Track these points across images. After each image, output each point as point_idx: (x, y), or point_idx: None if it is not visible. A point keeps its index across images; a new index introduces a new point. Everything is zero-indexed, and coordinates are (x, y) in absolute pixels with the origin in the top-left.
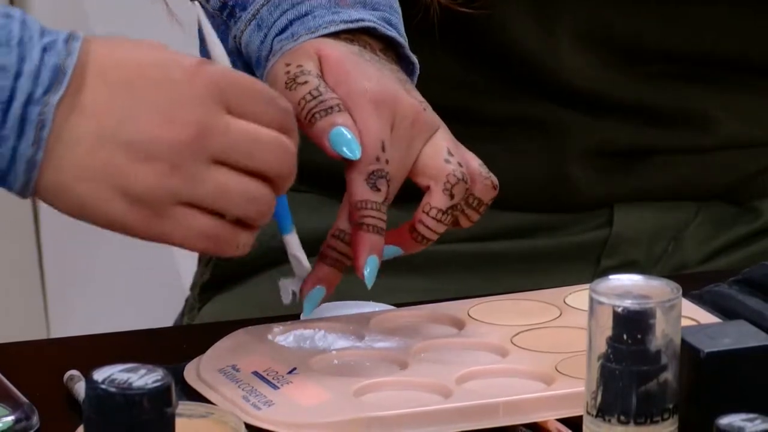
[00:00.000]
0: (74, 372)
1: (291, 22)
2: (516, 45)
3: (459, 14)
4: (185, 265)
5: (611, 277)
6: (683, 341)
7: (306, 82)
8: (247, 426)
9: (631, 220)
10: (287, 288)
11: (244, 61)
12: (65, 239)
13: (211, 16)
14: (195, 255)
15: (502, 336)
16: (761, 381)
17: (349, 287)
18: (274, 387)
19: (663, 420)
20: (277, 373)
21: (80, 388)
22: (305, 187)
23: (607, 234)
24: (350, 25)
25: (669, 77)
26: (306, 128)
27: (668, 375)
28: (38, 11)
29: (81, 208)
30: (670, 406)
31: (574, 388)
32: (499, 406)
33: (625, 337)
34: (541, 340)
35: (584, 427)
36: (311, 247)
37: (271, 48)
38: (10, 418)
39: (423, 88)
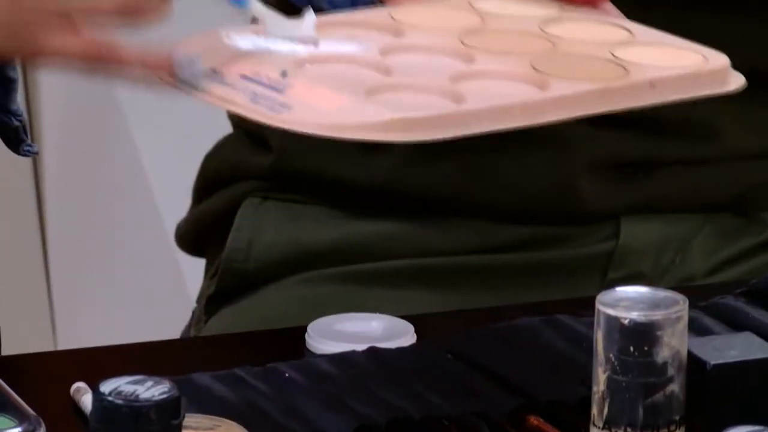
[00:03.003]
0: (81, 384)
1: None
2: None
3: None
4: (192, 277)
5: (618, 288)
6: (689, 353)
7: None
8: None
9: (638, 231)
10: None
11: None
12: (72, 251)
13: None
14: (201, 267)
15: (450, 39)
16: None
17: (357, 300)
18: (277, 90)
19: None
20: (269, 76)
21: (87, 400)
22: (313, 199)
23: (614, 246)
24: None
25: None
26: None
27: (675, 387)
28: None
29: None
30: (677, 417)
31: (572, 89)
32: (515, 108)
33: (631, 348)
34: (493, 42)
35: None
36: (319, 259)
37: None
38: (17, 430)
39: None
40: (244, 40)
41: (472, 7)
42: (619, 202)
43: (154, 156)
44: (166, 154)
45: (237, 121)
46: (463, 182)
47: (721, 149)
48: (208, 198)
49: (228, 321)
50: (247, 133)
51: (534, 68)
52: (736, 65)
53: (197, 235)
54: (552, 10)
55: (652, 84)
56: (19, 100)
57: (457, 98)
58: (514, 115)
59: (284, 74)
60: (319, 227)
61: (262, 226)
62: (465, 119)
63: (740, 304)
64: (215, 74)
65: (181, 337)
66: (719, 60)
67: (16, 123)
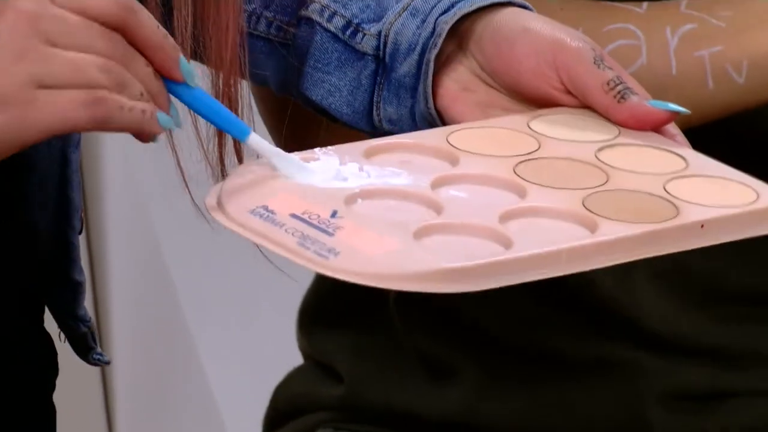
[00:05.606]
0: None
1: (453, 4)
2: (592, 285)
3: None
4: None
5: None
6: None
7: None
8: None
9: None
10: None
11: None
12: None
13: (326, 38)
14: None
15: (503, 168)
16: None
17: None
18: (327, 232)
19: None
20: (319, 216)
21: None
22: (383, 430)
23: None
24: None
25: (746, 318)
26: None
27: None
28: (115, 247)
29: None
30: None
31: (623, 233)
32: (562, 254)
33: None
34: (546, 172)
35: None
36: None
37: (434, 29)
38: None
39: (497, 324)
40: (292, 169)
41: (530, 128)
42: None
43: (224, 386)
44: (237, 384)
45: (308, 352)
46: (533, 414)
47: None
48: (279, 429)
49: None
50: (318, 364)
51: (584, 206)
52: None
53: None
54: (610, 135)
55: (702, 226)
56: (88, 306)
57: (506, 242)
58: (560, 261)
59: (334, 214)
60: None
61: None
62: (511, 268)
63: None
64: (267, 212)
65: None
66: None
67: (84, 329)
